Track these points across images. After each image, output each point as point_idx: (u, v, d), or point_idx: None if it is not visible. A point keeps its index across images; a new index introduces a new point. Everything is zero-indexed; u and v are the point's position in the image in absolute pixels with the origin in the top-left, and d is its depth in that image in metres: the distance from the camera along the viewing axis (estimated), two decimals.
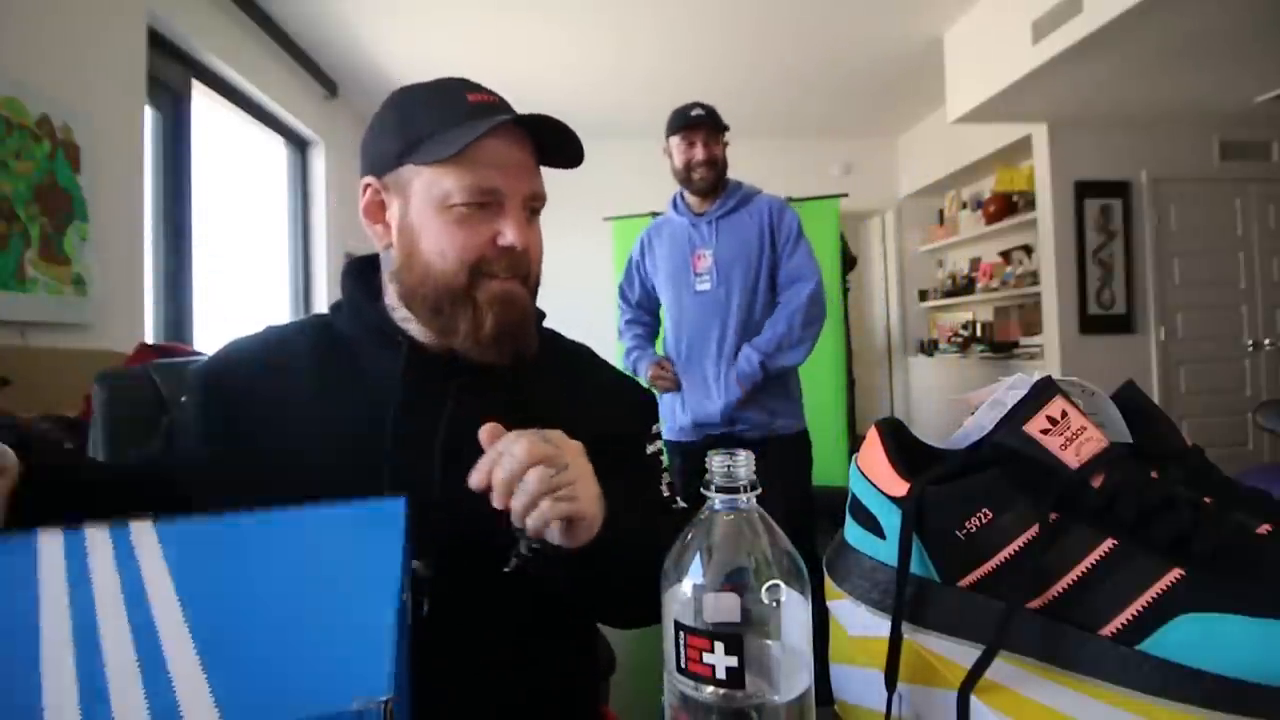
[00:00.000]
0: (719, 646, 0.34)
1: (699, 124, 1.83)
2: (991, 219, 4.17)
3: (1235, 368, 3.79)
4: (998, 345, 4.25)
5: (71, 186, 1.89)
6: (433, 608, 0.58)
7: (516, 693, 0.61)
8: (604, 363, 0.80)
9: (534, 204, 0.67)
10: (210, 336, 2.60)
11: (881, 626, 0.41)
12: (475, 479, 0.50)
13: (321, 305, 3.77)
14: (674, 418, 1.95)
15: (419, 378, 0.65)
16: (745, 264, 1.85)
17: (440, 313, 0.64)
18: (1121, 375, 0.48)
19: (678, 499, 0.78)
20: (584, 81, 3.93)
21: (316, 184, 3.81)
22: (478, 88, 0.66)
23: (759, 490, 0.38)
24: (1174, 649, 0.34)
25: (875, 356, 5.45)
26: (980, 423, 0.42)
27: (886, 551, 0.43)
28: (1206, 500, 0.37)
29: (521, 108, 0.67)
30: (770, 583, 0.36)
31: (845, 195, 3.82)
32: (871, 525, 0.45)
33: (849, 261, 4.19)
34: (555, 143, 0.67)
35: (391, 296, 0.68)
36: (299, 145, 3.74)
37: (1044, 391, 0.40)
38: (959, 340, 4.64)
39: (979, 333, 4.61)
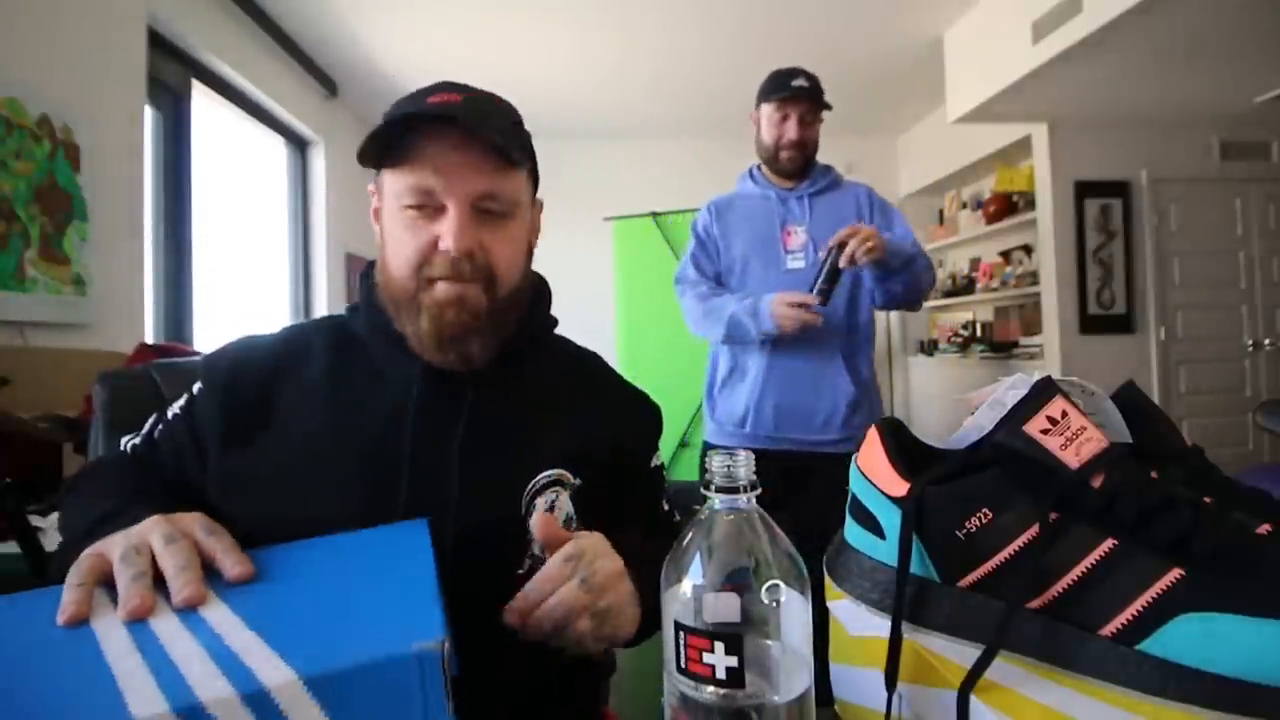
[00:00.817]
0: (719, 646, 0.34)
1: (799, 96, 1.58)
2: (991, 219, 4.17)
3: (1235, 368, 3.79)
4: (998, 345, 4.25)
5: (71, 186, 1.89)
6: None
7: (518, 692, 0.61)
8: (613, 371, 0.81)
9: (487, 204, 0.63)
10: (210, 336, 2.61)
11: (881, 626, 0.41)
12: (512, 617, 0.52)
13: (322, 305, 3.78)
14: (750, 414, 1.61)
15: (435, 381, 0.65)
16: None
17: (399, 315, 0.64)
18: (1121, 375, 0.48)
19: (675, 514, 0.79)
20: (585, 81, 3.93)
21: (316, 184, 3.81)
22: (452, 87, 0.65)
23: (759, 490, 0.38)
24: (1174, 649, 0.34)
25: (875, 356, 5.45)
26: (980, 423, 0.42)
27: (886, 551, 0.43)
28: (1206, 500, 0.37)
29: (522, 108, 0.67)
30: (770, 583, 0.36)
31: None
32: (871, 525, 0.45)
33: None
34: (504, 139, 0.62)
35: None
36: (299, 145, 3.74)
37: (1044, 391, 0.40)
38: (959, 340, 4.64)
39: (979, 333, 4.61)
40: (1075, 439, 0.38)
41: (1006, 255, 4.35)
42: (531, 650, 0.63)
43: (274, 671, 0.30)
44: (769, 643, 0.36)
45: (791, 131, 1.60)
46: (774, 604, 0.36)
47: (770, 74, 1.66)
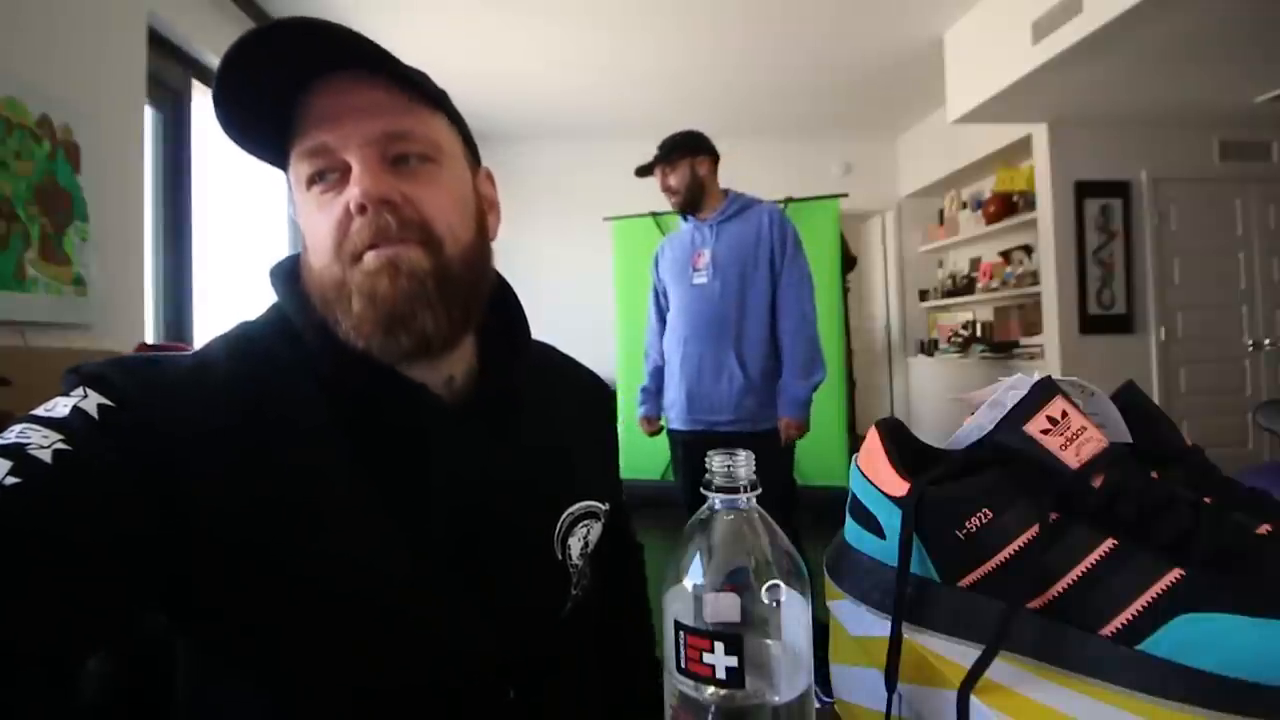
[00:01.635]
0: (719, 646, 0.34)
1: (655, 162, 2.08)
2: (991, 219, 4.17)
3: (1235, 368, 3.79)
4: (998, 345, 4.25)
5: (71, 186, 1.89)
6: None
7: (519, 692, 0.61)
8: (568, 358, 0.75)
9: (400, 147, 0.51)
10: (210, 337, 2.60)
11: (881, 626, 0.41)
12: None
13: None
14: (671, 400, 2.15)
15: (444, 426, 0.54)
16: (740, 263, 2.02)
17: (333, 314, 0.51)
18: (1121, 375, 0.48)
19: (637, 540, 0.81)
20: (585, 81, 3.93)
21: None
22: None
23: (759, 490, 0.38)
24: (1174, 649, 0.34)
25: (875, 356, 5.45)
26: (980, 423, 0.42)
27: (886, 551, 0.43)
28: (1206, 500, 0.37)
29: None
30: (770, 583, 0.36)
31: (845, 195, 3.82)
32: (871, 525, 0.45)
33: (849, 261, 4.19)
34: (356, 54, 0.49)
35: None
36: None
37: (1044, 391, 0.40)
38: (959, 340, 4.64)
39: (979, 333, 4.62)
40: (1075, 439, 0.38)
41: (1006, 255, 4.35)
42: (579, 692, 0.61)
43: None
44: (769, 643, 0.36)
45: (660, 184, 2.09)
46: (774, 604, 0.36)
47: None
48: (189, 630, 0.49)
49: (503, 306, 0.62)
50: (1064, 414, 0.39)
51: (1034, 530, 0.38)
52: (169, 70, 2.56)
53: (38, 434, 0.39)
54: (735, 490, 0.37)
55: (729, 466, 0.37)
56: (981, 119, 3.47)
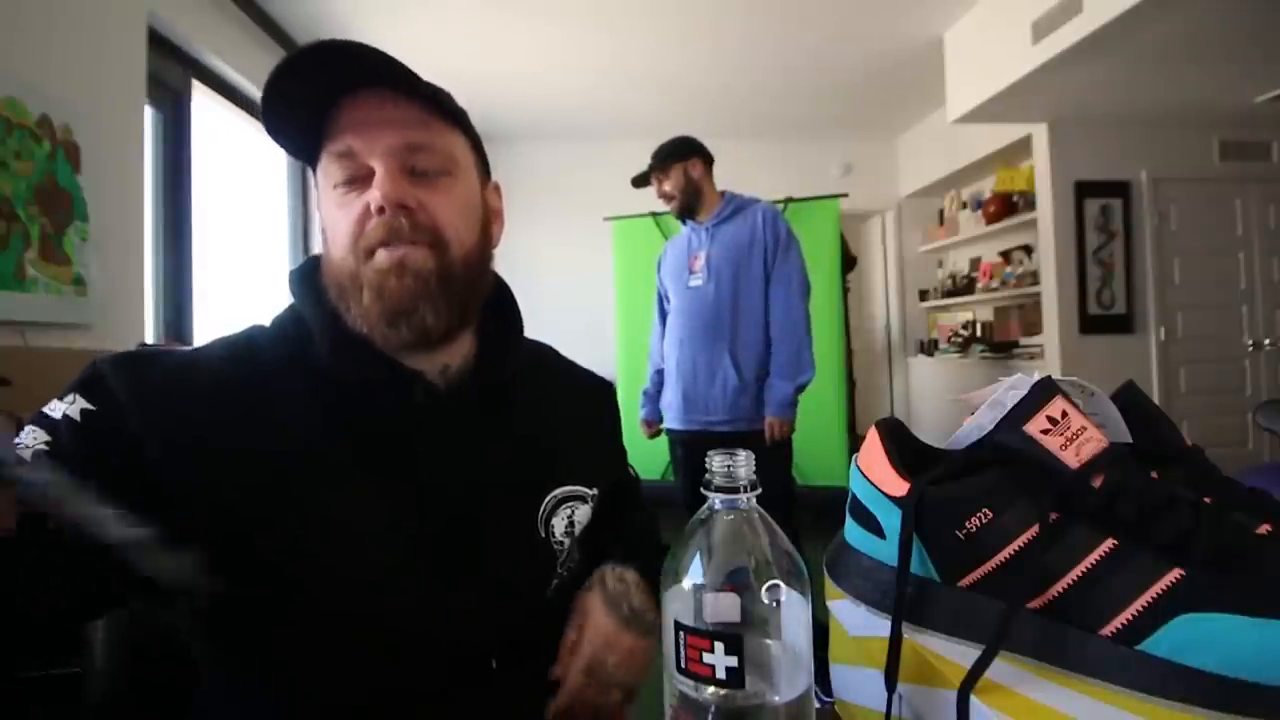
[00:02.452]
0: (719, 646, 0.34)
1: (650, 170, 2.13)
2: (991, 219, 4.17)
3: (1235, 368, 3.79)
4: (998, 345, 4.25)
5: (71, 186, 1.89)
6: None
7: (518, 692, 0.61)
8: (568, 361, 0.79)
9: (418, 160, 0.57)
10: (210, 337, 2.60)
11: (881, 626, 0.41)
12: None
13: None
14: (668, 401, 2.19)
15: (433, 410, 0.59)
16: (734, 265, 2.05)
17: (345, 303, 0.57)
18: (1121, 375, 0.48)
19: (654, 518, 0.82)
20: (584, 82, 3.93)
21: None
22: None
23: (759, 490, 0.38)
24: (1174, 649, 0.34)
25: (875, 356, 5.45)
26: (980, 423, 0.42)
27: (886, 551, 0.43)
28: (1206, 500, 0.37)
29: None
30: (770, 583, 0.36)
31: (845, 195, 3.82)
32: (871, 525, 0.45)
33: (849, 261, 4.19)
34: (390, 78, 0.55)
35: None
36: None
37: (1044, 391, 0.40)
38: (959, 340, 4.64)
39: (979, 333, 4.61)
40: (1075, 439, 0.38)
41: (1006, 255, 4.35)
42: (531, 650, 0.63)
43: None
44: (769, 643, 0.36)
45: (657, 191, 2.14)
46: (774, 604, 0.36)
47: None
48: (182, 616, 0.54)
49: (500, 306, 0.67)
50: (1064, 414, 0.39)
51: (1034, 530, 0.38)
52: (169, 70, 2.56)
53: (30, 434, 0.47)
54: (735, 490, 0.37)
55: (729, 466, 0.37)
56: (981, 119, 3.47)
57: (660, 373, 2.25)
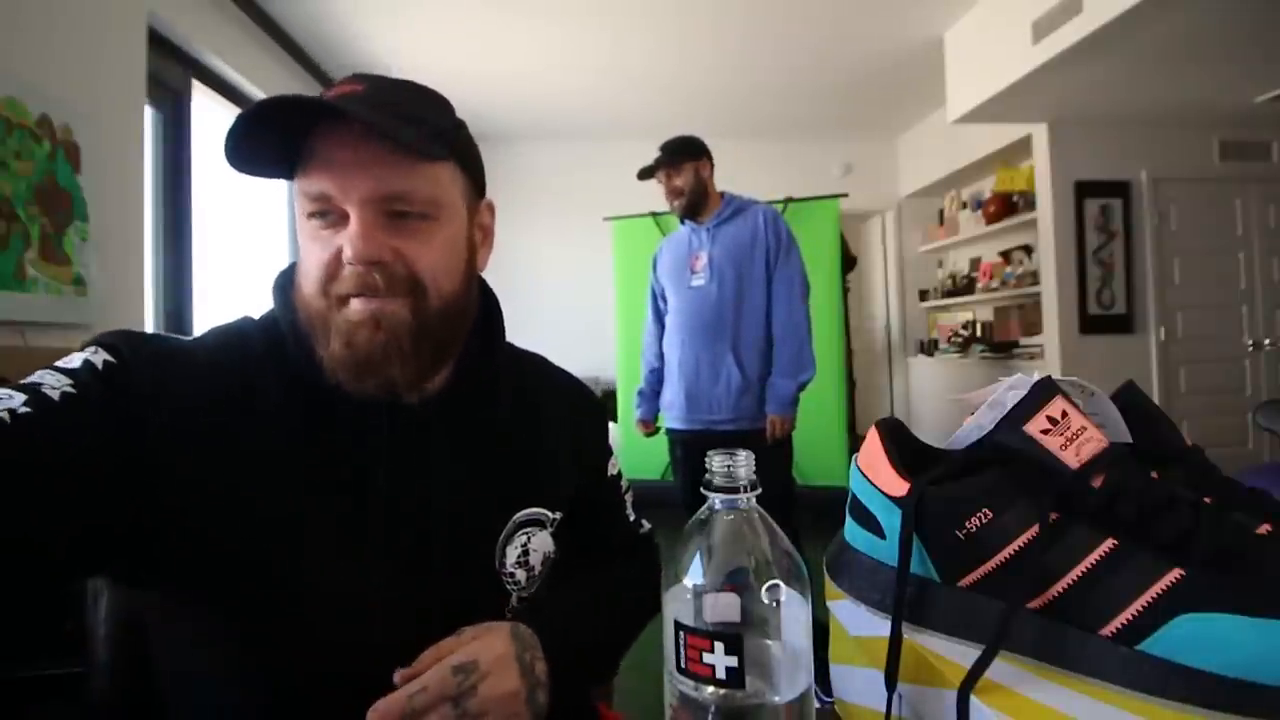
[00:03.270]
0: (719, 646, 0.34)
1: (658, 165, 2.11)
2: (991, 219, 4.17)
3: (1235, 368, 3.79)
4: (998, 345, 4.25)
5: (71, 186, 1.89)
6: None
7: None
8: (558, 371, 0.76)
9: (395, 206, 0.53)
10: None
11: (881, 626, 0.41)
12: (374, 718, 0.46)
13: None
14: (670, 400, 2.18)
15: (397, 430, 0.58)
16: (736, 265, 2.05)
17: (315, 336, 0.55)
18: (1121, 375, 0.48)
19: (643, 522, 0.80)
20: (584, 82, 3.93)
21: None
22: (360, 78, 0.56)
23: (759, 490, 0.38)
24: (1174, 649, 0.34)
25: (875, 356, 5.46)
26: (980, 423, 0.42)
27: (886, 551, 0.43)
28: (1206, 500, 0.37)
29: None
30: (770, 583, 0.36)
31: (845, 195, 3.82)
32: (871, 525, 0.45)
33: (849, 261, 4.19)
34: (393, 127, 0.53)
35: None
36: None
37: (1044, 391, 0.40)
38: (959, 340, 4.64)
39: (979, 333, 4.62)
40: (1075, 439, 0.38)
41: (1006, 255, 4.35)
42: None
43: None
44: (769, 643, 0.36)
45: (664, 188, 2.11)
46: (774, 604, 0.36)
47: None
48: (140, 585, 0.54)
49: (485, 321, 0.65)
50: (1064, 414, 0.39)
51: (1034, 530, 0.38)
52: (169, 70, 2.56)
53: (52, 378, 0.48)
54: (735, 490, 0.37)
55: (729, 466, 0.37)
56: (981, 119, 3.47)
57: (654, 371, 2.25)
